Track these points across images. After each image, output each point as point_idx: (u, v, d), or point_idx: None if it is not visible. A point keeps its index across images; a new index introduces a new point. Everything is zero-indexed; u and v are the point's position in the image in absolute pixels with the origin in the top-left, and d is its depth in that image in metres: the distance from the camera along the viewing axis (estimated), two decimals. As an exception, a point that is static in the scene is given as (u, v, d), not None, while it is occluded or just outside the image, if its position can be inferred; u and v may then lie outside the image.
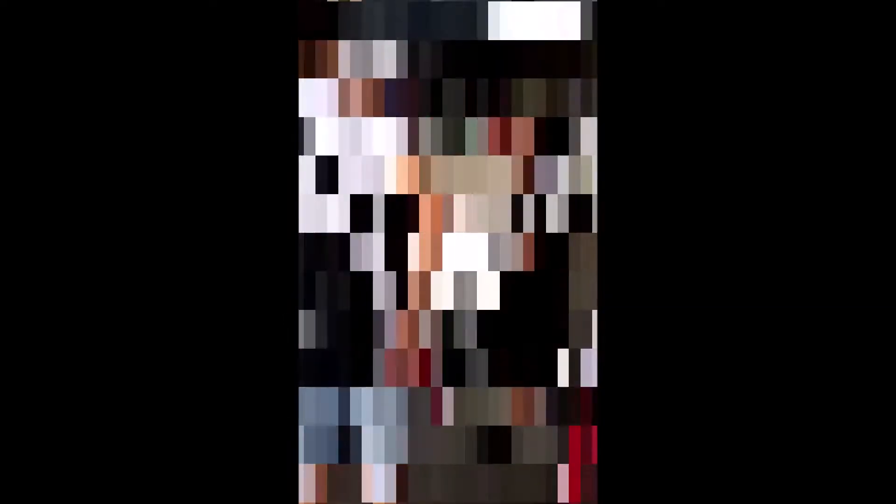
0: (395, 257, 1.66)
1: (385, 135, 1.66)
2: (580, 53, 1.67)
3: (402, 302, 1.65)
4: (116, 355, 1.65)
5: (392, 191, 1.65)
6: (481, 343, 1.65)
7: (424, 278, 1.65)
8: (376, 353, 1.65)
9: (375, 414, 1.65)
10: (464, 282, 1.65)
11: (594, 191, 1.67)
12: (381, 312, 1.65)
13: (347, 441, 1.66)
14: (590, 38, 1.67)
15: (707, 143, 1.68)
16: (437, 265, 1.65)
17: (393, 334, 1.65)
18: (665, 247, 1.67)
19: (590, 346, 1.66)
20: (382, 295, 1.65)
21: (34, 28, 1.67)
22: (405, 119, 1.66)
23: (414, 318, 1.65)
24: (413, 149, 1.66)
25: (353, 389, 1.65)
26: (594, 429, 1.66)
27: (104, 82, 1.67)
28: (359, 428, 1.65)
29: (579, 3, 1.67)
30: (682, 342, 1.67)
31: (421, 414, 1.65)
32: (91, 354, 1.65)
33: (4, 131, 1.67)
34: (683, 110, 1.68)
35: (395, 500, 1.65)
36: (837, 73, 1.69)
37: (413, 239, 1.66)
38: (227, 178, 1.66)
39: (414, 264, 1.66)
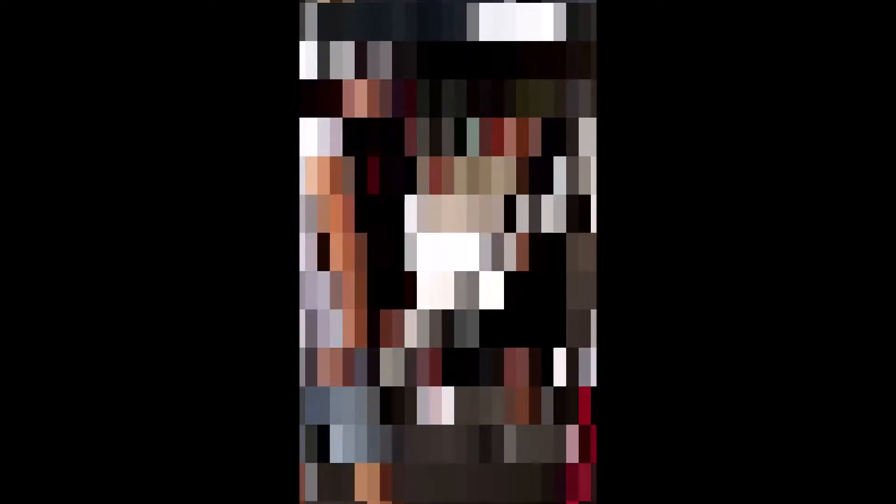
0: (398, 256, 1.66)
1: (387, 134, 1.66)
2: (578, 54, 1.67)
3: (402, 301, 1.66)
4: (118, 355, 1.66)
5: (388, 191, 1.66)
6: (481, 342, 1.65)
7: (425, 278, 1.66)
8: (372, 352, 1.66)
9: (370, 413, 1.66)
10: (465, 281, 1.65)
11: (593, 191, 1.67)
12: (387, 312, 1.66)
13: (347, 440, 1.66)
14: (588, 38, 1.67)
15: (707, 143, 1.68)
16: (438, 265, 1.66)
17: (398, 333, 1.66)
18: (664, 247, 1.67)
19: (588, 346, 1.67)
20: (385, 293, 1.66)
21: (35, 29, 1.67)
22: (407, 119, 1.66)
23: (412, 318, 1.66)
24: (414, 149, 1.66)
25: (348, 389, 1.66)
26: (593, 428, 1.67)
27: (106, 83, 1.67)
28: (353, 427, 1.66)
29: (577, 4, 1.67)
30: (681, 342, 1.67)
31: (420, 414, 1.66)
32: (92, 354, 1.66)
33: (5, 131, 1.67)
34: (683, 111, 1.68)
35: (391, 500, 1.66)
36: (837, 73, 1.68)
37: (411, 238, 1.66)
38: (229, 178, 1.67)
39: (414, 264, 1.66)
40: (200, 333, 1.65)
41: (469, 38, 1.65)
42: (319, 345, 1.66)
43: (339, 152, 1.64)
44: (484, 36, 1.65)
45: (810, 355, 1.67)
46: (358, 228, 1.65)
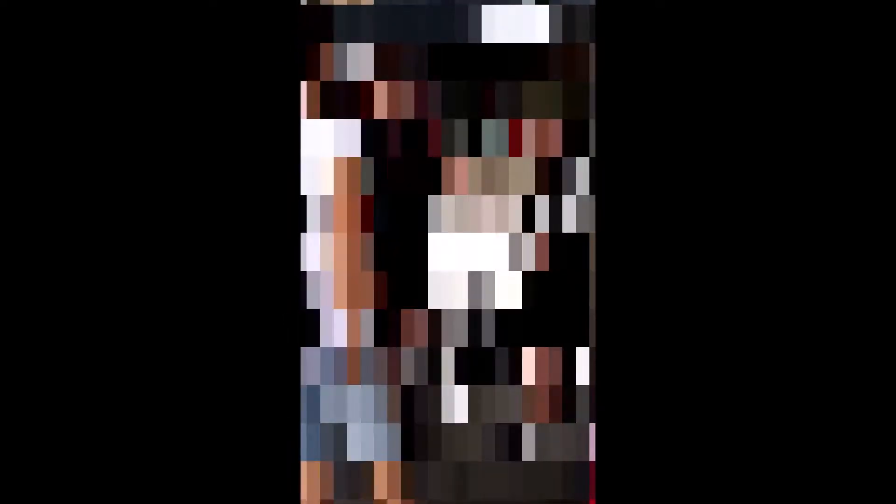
0: (410, 256, 1.66)
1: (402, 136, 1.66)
2: (578, 55, 1.67)
3: (417, 301, 1.66)
4: (119, 354, 1.66)
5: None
6: (497, 342, 1.66)
7: (436, 278, 1.66)
8: (378, 351, 1.66)
9: (377, 412, 1.66)
10: (480, 281, 1.65)
11: (590, 192, 1.67)
12: (406, 311, 1.66)
13: (349, 439, 1.66)
14: (587, 39, 1.67)
15: (706, 143, 1.68)
16: (452, 264, 1.66)
17: (414, 333, 1.66)
18: (664, 247, 1.68)
19: (587, 345, 1.67)
20: (398, 293, 1.66)
21: (36, 30, 1.67)
22: (421, 120, 1.66)
23: (430, 317, 1.66)
24: (434, 149, 1.66)
25: (351, 388, 1.66)
26: (592, 426, 1.67)
27: (107, 83, 1.67)
28: (359, 425, 1.66)
29: (576, 5, 1.67)
30: (680, 341, 1.67)
31: (425, 411, 1.66)
32: (94, 354, 1.66)
33: (5, 132, 1.67)
34: (682, 111, 1.68)
35: (405, 498, 1.66)
36: (837, 74, 1.69)
37: (427, 238, 1.66)
38: (230, 179, 1.67)
39: (427, 263, 1.66)
40: (201, 333, 1.66)
41: (473, 40, 1.65)
42: (323, 344, 1.66)
43: (357, 153, 1.65)
44: (488, 38, 1.65)
45: (809, 353, 1.68)
46: (372, 228, 1.65)
